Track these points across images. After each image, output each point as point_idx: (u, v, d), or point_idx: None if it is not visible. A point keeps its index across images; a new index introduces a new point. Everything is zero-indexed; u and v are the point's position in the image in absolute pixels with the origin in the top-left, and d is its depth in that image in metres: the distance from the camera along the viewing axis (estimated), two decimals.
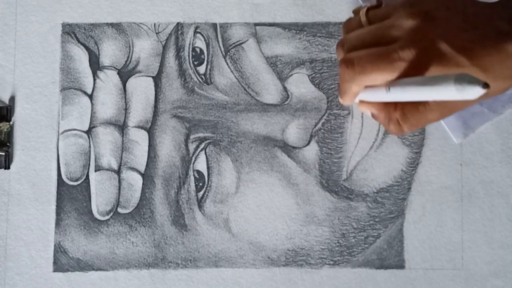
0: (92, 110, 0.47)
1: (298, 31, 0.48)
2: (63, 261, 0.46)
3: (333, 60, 0.47)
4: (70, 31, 0.48)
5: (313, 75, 0.47)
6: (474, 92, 0.32)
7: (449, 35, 0.36)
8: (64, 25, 0.48)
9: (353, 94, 0.41)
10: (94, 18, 0.48)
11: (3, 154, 0.46)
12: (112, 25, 0.48)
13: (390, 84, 0.37)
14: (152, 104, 0.47)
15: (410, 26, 0.37)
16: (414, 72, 0.36)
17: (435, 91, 0.34)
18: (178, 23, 0.48)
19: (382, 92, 0.38)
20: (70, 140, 0.47)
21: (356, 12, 0.43)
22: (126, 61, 0.47)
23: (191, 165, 0.47)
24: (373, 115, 0.42)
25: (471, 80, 0.32)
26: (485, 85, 0.32)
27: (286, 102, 0.47)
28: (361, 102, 0.42)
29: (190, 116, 0.47)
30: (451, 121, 0.47)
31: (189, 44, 0.48)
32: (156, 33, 0.48)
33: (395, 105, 0.39)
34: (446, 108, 0.38)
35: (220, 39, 0.48)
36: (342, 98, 0.42)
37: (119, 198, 0.46)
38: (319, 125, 0.47)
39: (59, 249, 0.46)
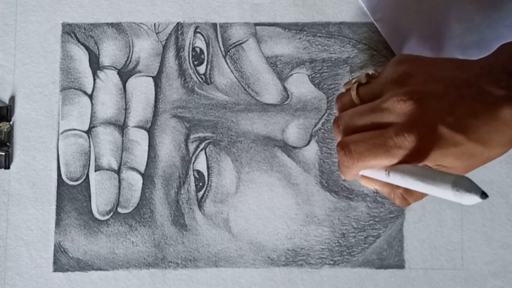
0: (92, 110, 0.47)
1: (298, 31, 0.48)
2: (63, 261, 0.46)
3: (333, 60, 0.47)
4: (70, 31, 0.48)
5: (313, 75, 0.47)
6: (471, 200, 0.32)
7: (444, 114, 0.35)
8: (64, 25, 0.48)
9: (353, 175, 0.40)
10: (94, 18, 0.48)
11: (3, 154, 0.47)
12: (112, 25, 0.48)
13: (389, 169, 0.36)
14: (152, 104, 0.47)
15: (403, 111, 0.36)
16: (414, 158, 0.35)
17: (433, 189, 0.34)
18: (178, 23, 0.48)
19: (382, 175, 0.37)
20: (70, 140, 0.47)
21: (346, 86, 0.43)
22: (126, 61, 0.47)
23: (191, 165, 0.47)
24: (377, 189, 0.42)
25: (469, 188, 0.31)
26: (483, 195, 0.31)
27: (286, 102, 0.47)
28: (363, 177, 0.41)
29: (190, 116, 0.47)
30: None
31: (189, 44, 0.48)
32: (156, 33, 0.48)
33: None
34: None
35: (220, 39, 0.48)
36: (343, 176, 0.41)
37: (119, 198, 0.46)
38: (319, 125, 0.47)
39: (59, 249, 0.46)
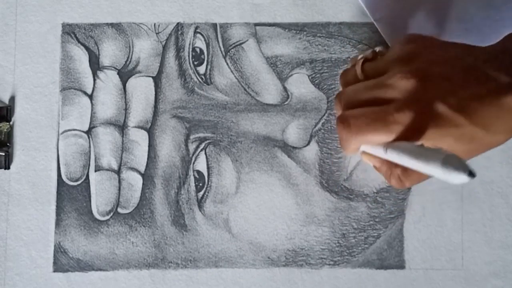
0: (92, 110, 0.47)
1: (298, 31, 0.48)
2: (63, 261, 0.46)
3: (333, 60, 0.47)
4: (70, 31, 0.48)
5: (313, 75, 0.47)
6: (459, 179, 0.32)
7: (446, 94, 0.35)
8: (64, 25, 0.48)
9: (352, 150, 0.40)
10: (94, 18, 0.48)
11: (3, 154, 0.46)
12: (112, 25, 0.48)
13: (387, 146, 0.36)
14: (152, 104, 0.47)
15: (405, 88, 0.36)
16: (410, 135, 0.35)
17: (424, 166, 0.34)
18: (178, 23, 0.48)
19: (381, 151, 0.38)
20: (70, 140, 0.47)
21: (353, 61, 0.43)
22: (126, 61, 0.47)
23: (191, 165, 0.47)
24: (375, 167, 0.42)
25: (458, 166, 0.31)
26: (471, 174, 0.31)
27: (286, 102, 0.47)
28: (364, 153, 0.41)
29: (190, 116, 0.47)
30: None
31: (189, 44, 0.48)
32: (156, 33, 0.48)
33: None
34: None
35: (220, 39, 0.48)
36: (344, 151, 0.42)
37: (119, 198, 0.46)
38: (319, 125, 0.47)
39: (59, 249, 0.46)
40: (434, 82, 0.36)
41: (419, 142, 0.36)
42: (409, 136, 0.36)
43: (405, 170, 0.38)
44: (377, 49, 0.43)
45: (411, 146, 0.35)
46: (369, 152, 0.40)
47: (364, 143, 0.38)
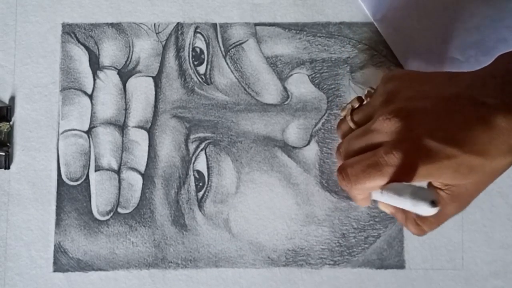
0: (92, 110, 0.47)
1: (298, 31, 0.48)
2: (63, 261, 0.46)
3: (333, 60, 0.47)
4: (70, 31, 0.48)
5: (313, 75, 0.47)
6: (425, 210, 0.33)
7: (432, 127, 0.35)
8: (64, 25, 0.48)
9: (361, 200, 0.40)
10: (94, 18, 0.48)
11: (3, 154, 0.46)
12: (112, 25, 0.48)
13: (382, 189, 0.36)
14: (152, 104, 0.47)
15: (390, 129, 0.36)
16: (403, 175, 0.35)
17: (403, 202, 0.34)
18: (178, 23, 0.48)
19: (379, 196, 0.37)
20: (70, 140, 0.47)
21: (343, 112, 0.43)
22: (126, 61, 0.48)
23: (191, 165, 0.47)
24: (392, 214, 0.42)
25: (423, 197, 0.32)
26: (433, 203, 0.32)
27: (286, 102, 0.47)
28: (380, 202, 0.41)
29: (190, 116, 0.47)
30: None
31: (189, 44, 0.48)
32: (156, 33, 0.48)
33: None
34: (461, 200, 0.38)
35: (220, 39, 0.48)
36: (357, 203, 0.42)
37: (119, 198, 0.46)
38: (319, 125, 0.47)
39: (59, 249, 0.46)
40: (417, 118, 0.35)
41: (416, 182, 0.35)
42: (401, 177, 0.35)
43: (420, 215, 0.37)
44: (365, 91, 0.43)
45: (399, 185, 0.35)
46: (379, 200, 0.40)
47: (365, 190, 0.38)
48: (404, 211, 0.39)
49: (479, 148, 0.34)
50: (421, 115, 0.35)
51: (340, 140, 0.43)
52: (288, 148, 0.47)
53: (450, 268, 0.46)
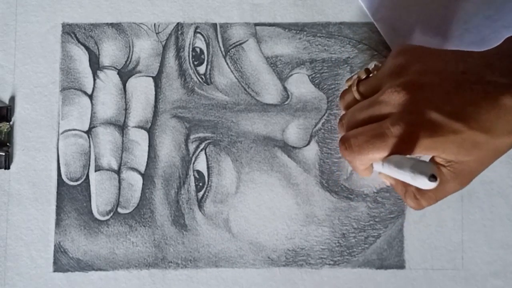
0: (92, 110, 0.47)
1: (298, 31, 0.48)
2: (63, 261, 0.46)
3: (333, 60, 0.47)
4: (70, 31, 0.48)
5: (313, 75, 0.47)
6: (424, 183, 0.33)
7: (440, 102, 0.35)
8: (64, 25, 0.48)
9: (362, 170, 0.40)
10: (94, 18, 0.48)
11: (3, 154, 0.46)
12: (112, 25, 0.48)
13: (383, 161, 0.37)
14: (152, 104, 0.47)
15: (398, 101, 0.36)
16: (405, 147, 0.35)
17: (403, 175, 0.34)
18: (178, 23, 0.48)
19: (380, 167, 0.38)
20: (70, 140, 0.47)
21: (348, 82, 0.43)
22: (126, 61, 0.47)
23: (191, 165, 0.47)
24: (392, 186, 0.42)
25: (422, 171, 0.32)
26: (432, 177, 0.32)
27: (286, 102, 0.47)
28: (380, 172, 0.41)
29: (190, 116, 0.47)
30: None
31: (189, 44, 0.48)
32: (156, 33, 0.48)
33: None
34: (463, 177, 0.38)
35: (220, 39, 0.48)
36: (360, 175, 0.42)
37: (119, 198, 0.46)
38: (319, 125, 0.47)
39: (59, 249, 0.46)
40: (425, 92, 0.36)
41: (420, 156, 0.36)
42: (403, 148, 0.35)
43: (420, 189, 0.38)
44: (373, 64, 0.43)
45: (400, 158, 0.35)
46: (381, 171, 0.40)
47: (368, 161, 0.38)
48: (404, 184, 0.40)
49: (484, 125, 0.35)
50: (429, 89, 0.36)
51: (343, 112, 0.44)
52: (288, 148, 0.47)
53: (450, 268, 0.46)
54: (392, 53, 0.40)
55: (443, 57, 0.38)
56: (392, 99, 0.36)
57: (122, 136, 0.47)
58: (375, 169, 0.40)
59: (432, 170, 0.33)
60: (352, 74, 0.43)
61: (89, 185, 0.47)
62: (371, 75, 0.42)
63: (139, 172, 0.47)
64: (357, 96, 0.41)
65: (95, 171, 0.47)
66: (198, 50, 0.47)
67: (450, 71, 0.36)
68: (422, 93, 0.36)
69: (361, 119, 0.38)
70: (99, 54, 0.48)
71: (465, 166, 0.37)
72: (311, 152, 0.47)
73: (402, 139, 0.35)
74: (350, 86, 0.42)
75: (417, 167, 0.33)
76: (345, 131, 0.40)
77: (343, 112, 0.44)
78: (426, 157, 0.39)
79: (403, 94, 0.36)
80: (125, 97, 0.47)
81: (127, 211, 0.46)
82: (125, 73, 0.47)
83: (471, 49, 0.39)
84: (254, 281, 0.46)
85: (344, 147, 0.38)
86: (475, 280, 0.46)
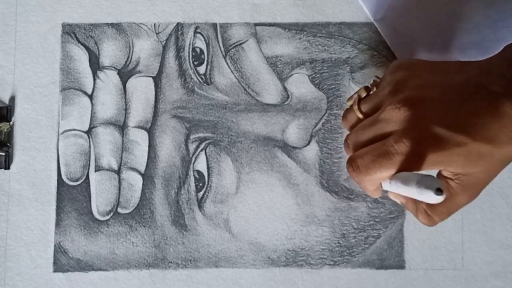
0: (92, 110, 0.47)
1: (298, 31, 0.48)
2: (63, 262, 0.46)
3: (333, 60, 0.47)
4: (70, 31, 0.48)
5: (313, 75, 0.47)
6: (431, 198, 0.33)
7: (441, 115, 0.35)
8: (64, 25, 0.48)
9: (373, 191, 0.40)
10: (94, 18, 0.48)
11: (3, 154, 0.46)
12: (112, 25, 0.48)
13: (390, 179, 0.36)
14: (152, 104, 0.47)
15: (399, 118, 0.36)
16: (412, 163, 0.35)
17: (410, 191, 0.34)
18: (178, 23, 0.48)
19: (388, 185, 0.37)
20: (70, 140, 0.47)
21: (349, 102, 0.43)
22: (126, 61, 0.47)
23: (191, 165, 0.47)
24: (402, 204, 0.42)
25: (428, 185, 0.32)
26: (438, 191, 0.32)
27: (286, 102, 0.47)
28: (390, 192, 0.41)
29: (190, 116, 0.47)
30: None
31: (189, 44, 0.48)
32: (156, 33, 0.48)
33: None
34: (472, 189, 0.38)
35: (220, 39, 0.48)
36: (369, 195, 0.42)
37: (119, 198, 0.46)
38: (319, 125, 0.47)
39: (59, 250, 0.46)
40: (426, 107, 0.36)
41: (427, 171, 0.35)
42: (410, 165, 0.35)
43: (430, 204, 0.38)
44: (371, 80, 0.43)
45: (406, 174, 0.35)
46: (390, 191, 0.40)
47: (376, 181, 0.38)
48: (414, 202, 0.39)
49: (488, 135, 0.34)
50: (430, 103, 0.36)
51: (347, 132, 0.43)
52: (288, 148, 0.47)
53: (450, 268, 0.46)
54: (390, 68, 0.40)
55: (441, 70, 0.38)
56: (393, 116, 0.36)
57: (122, 136, 0.47)
58: (384, 188, 0.39)
59: (437, 184, 0.33)
60: (353, 93, 0.43)
61: (89, 185, 0.47)
62: (371, 92, 0.42)
63: (139, 172, 0.47)
64: (359, 115, 0.41)
65: (95, 171, 0.47)
66: (198, 50, 0.47)
67: (449, 83, 0.36)
68: (423, 108, 0.36)
69: (366, 139, 0.38)
70: (99, 54, 0.48)
71: (473, 178, 0.37)
72: (311, 152, 0.47)
73: (407, 156, 0.35)
74: (351, 106, 0.42)
75: (423, 182, 0.33)
76: (351, 152, 0.40)
77: (347, 131, 0.43)
78: (434, 172, 0.39)
79: (404, 110, 0.36)
80: (125, 97, 0.47)
81: (127, 211, 0.46)
82: (125, 73, 0.47)
83: (471, 50, 0.40)
84: (254, 281, 0.46)
85: (351, 169, 0.38)
86: (475, 280, 0.46)
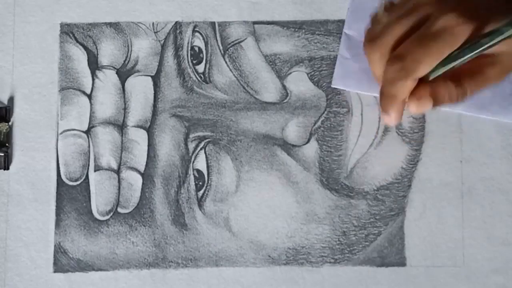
0: (91, 110, 0.47)
1: (296, 29, 0.48)
2: (63, 262, 0.46)
3: (332, 58, 0.47)
4: (68, 31, 0.48)
5: (312, 73, 0.47)
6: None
7: None
8: (62, 25, 0.48)
9: (399, 104, 0.39)
10: (92, 17, 0.48)
11: (2, 154, 0.46)
12: (110, 24, 0.48)
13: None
14: (151, 104, 0.47)
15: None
16: (466, 35, 0.36)
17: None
18: (176, 22, 0.48)
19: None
20: (69, 140, 0.47)
21: (374, 17, 0.42)
22: (124, 61, 0.47)
23: (191, 164, 0.46)
24: (436, 96, 0.40)
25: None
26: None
27: (285, 100, 0.47)
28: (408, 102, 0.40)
29: (189, 115, 0.47)
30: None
31: (188, 43, 0.48)
32: (155, 32, 0.48)
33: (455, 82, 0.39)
34: (505, 67, 0.38)
35: (218, 38, 0.48)
36: (388, 114, 0.40)
37: (119, 198, 0.46)
38: (319, 123, 0.47)
39: (59, 250, 0.46)
40: None
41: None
42: (458, 42, 0.36)
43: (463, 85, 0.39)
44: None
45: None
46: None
47: (422, 72, 0.37)
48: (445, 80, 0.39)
49: None
50: None
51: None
52: (287, 146, 0.47)
53: (451, 265, 0.46)
54: None
55: None
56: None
57: (122, 136, 0.47)
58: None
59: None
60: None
61: (89, 185, 0.47)
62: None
63: (139, 172, 0.47)
64: (386, 19, 0.40)
65: (95, 171, 0.47)
66: (196, 49, 0.47)
67: None
68: None
69: (402, 30, 0.38)
70: (97, 54, 0.48)
71: (505, 57, 0.38)
72: (311, 150, 0.47)
73: (455, 31, 0.35)
74: (375, 17, 0.41)
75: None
76: (384, 49, 0.39)
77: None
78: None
79: None
80: (124, 97, 0.47)
81: (127, 211, 0.46)
82: (124, 73, 0.47)
83: None
84: (254, 280, 0.46)
85: (395, 62, 0.37)
86: (476, 277, 0.46)
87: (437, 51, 0.36)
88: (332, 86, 0.47)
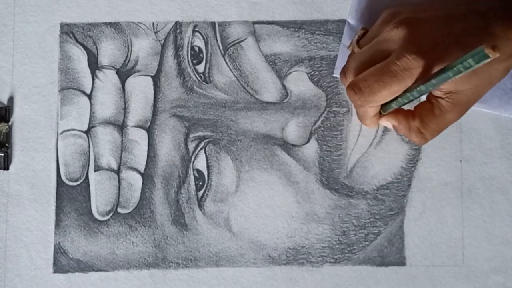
0: (91, 110, 0.47)
1: (296, 29, 0.48)
2: (63, 262, 0.46)
3: (332, 57, 0.47)
4: (68, 31, 0.48)
5: (312, 73, 0.47)
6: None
7: (437, 32, 0.37)
8: (62, 25, 0.48)
9: (371, 119, 0.42)
10: (92, 17, 0.48)
11: (2, 155, 0.46)
12: (110, 24, 0.48)
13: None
14: (151, 104, 0.47)
15: (398, 36, 0.38)
16: (416, 78, 0.37)
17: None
18: (176, 22, 0.48)
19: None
20: (69, 140, 0.47)
21: (349, 47, 0.44)
22: (124, 61, 0.47)
23: (191, 164, 0.46)
24: (394, 127, 0.43)
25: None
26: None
27: (285, 100, 0.47)
28: (382, 117, 0.43)
29: (190, 115, 0.47)
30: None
31: (188, 43, 0.48)
32: (155, 32, 0.48)
33: (413, 114, 0.41)
34: (460, 106, 0.39)
35: (218, 38, 0.48)
36: (364, 124, 0.44)
37: (119, 198, 0.46)
38: (319, 122, 0.47)
39: (59, 250, 0.46)
40: (422, 25, 0.38)
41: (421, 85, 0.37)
42: (413, 80, 0.37)
43: (423, 120, 0.40)
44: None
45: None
46: (387, 115, 0.42)
47: (379, 101, 0.39)
48: (407, 122, 0.41)
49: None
50: (425, 23, 0.38)
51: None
52: (287, 146, 0.47)
53: (451, 265, 0.46)
54: (383, 12, 0.41)
55: (432, 2, 0.40)
56: (392, 36, 0.38)
57: (122, 136, 0.47)
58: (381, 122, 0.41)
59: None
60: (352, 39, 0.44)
61: (89, 185, 0.46)
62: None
63: (139, 172, 0.46)
64: (357, 49, 0.42)
65: (95, 171, 0.47)
66: (196, 48, 0.47)
67: (442, 7, 0.39)
68: (419, 26, 0.37)
69: (365, 59, 0.39)
70: (97, 54, 0.48)
71: (462, 96, 0.38)
72: (311, 150, 0.47)
73: (410, 70, 0.36)
74: (352, 51, 0.43)
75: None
76: (349, 80, 0.41)
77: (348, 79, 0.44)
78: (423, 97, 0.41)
79: (402, 28, 0.37)
80: (124, 97, 0.47)
81: (127, 211, 0.46)
82: (124, 73, 0.47)
83: None
84: (255, 280, 0.46)
85: (353, 92, 0.39)
86: (475, 276, 0.46)
87: (393, 87, 0.37)
88: (333, 75, 0.47)
